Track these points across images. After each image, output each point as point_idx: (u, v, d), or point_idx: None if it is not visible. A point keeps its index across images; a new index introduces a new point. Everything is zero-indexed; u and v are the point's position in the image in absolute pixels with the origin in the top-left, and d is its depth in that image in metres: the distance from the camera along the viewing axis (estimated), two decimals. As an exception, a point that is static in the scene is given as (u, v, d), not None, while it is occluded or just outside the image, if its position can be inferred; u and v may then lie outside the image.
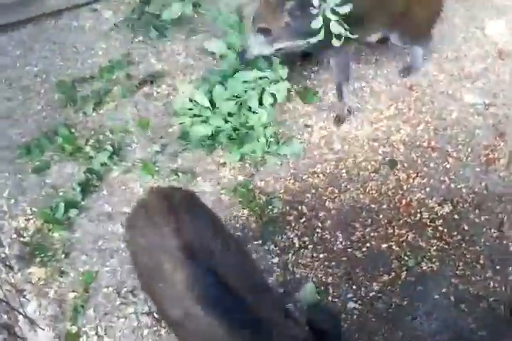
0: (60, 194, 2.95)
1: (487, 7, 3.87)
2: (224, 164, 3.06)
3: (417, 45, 3.35)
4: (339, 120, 3.23)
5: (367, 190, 2.95)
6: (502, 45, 3.63)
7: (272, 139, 3.08)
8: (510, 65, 3.52)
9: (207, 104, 3.12)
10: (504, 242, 2.76)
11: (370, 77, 3.44)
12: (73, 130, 3.19)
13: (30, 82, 3.44)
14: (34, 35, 3.72)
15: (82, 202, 2.92)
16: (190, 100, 3.15)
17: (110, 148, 3.04)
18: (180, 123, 3.15)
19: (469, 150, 3.13)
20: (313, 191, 2.94)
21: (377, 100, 3.34)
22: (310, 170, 3.04)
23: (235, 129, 3.09)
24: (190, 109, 3.14)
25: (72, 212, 2.86)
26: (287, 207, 2.90)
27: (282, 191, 2.96)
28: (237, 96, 3.11)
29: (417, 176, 3.01)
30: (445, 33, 3.72)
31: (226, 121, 3.10)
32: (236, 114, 3.11)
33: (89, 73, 3.46)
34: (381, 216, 2.86)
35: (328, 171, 3.03)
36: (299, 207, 2.90)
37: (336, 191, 2.96)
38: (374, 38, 3.23)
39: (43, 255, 2.77)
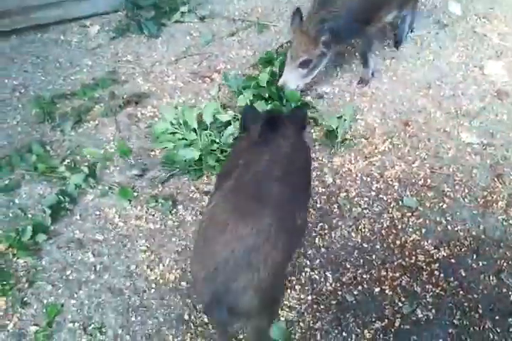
0: (29, 216, 2.73)
1: (486, 47, 3.86)
2: (208, 192, 2.88)
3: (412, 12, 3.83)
4: (363, 82, 3.57)
5: (359, 228, 2.79)
6: (500, 85, 3.59)
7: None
8: (508, 106, 3.47)
9: (195, 125, 3.01)
10: (504, 290, 2.59)
11: (366, 110, 3.35)
12: (48, 148, 3.01)
13: (7, 95, 3.28)
14: (17, 48, 3.58)
15: (52, 227, 2.71)
16: (172, 123, 3.04)
17: (86, 170, 2.84)
18: (163, 148, 3.02)
19: (466, 190, 3.01)
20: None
21: (372, 134, 3.23)
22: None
23: (222, 151, 2.97)
24: (173, 133, 3.03)
25: (40, 237, 2.63)
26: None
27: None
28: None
29: (412, 215, 2.87)
30: (443, 71, 3.68)
31: (213, 142, 2.99)
32: (223, 136, 3.02)
33: (71, 90, 3.31)
34: (374, 256, 2.69)
35: (318, 205, 2.87)
36: (286, 243, 2.72)
37: (327, 227, 2.79)
38: (390, 17, 3.56)
39: (4, 282, 2.53)
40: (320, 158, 3.10)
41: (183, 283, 2.55)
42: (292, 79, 3.24)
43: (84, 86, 3.31)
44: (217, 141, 3.00)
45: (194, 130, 3.02)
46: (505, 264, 2.69)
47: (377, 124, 3.29)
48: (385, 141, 3.20)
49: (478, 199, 2.97)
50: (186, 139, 3.00)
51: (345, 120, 3.20)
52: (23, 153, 2.92)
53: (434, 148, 3.20)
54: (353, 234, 2.77)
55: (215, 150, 2.98)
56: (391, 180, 3.02)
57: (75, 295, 2.52)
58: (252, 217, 1.83)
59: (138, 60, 3.58)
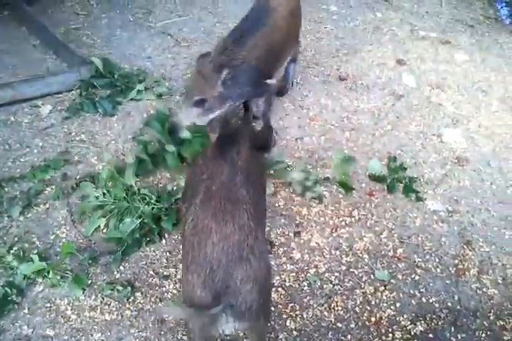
0: (-30, 312, 2.56)
1: (442, 115, 4.07)
2: (167, 277, 2.79)
3: (294, 56, 4.11)
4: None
5: (332, 306, 2.73)
6: (460, 152, 3.74)
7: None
8: (469, 172, 3.60)
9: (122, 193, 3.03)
10: (487, 366, 2.54)
11: (329, 183, 3.40)
12: (-6, 235, 2.88)
13: (-49, 180, 3.18)
14: (-36, 130, 3.54)
15: (-3, 323, 2.54)
16: (97, 197, 3.04)
17: (36, 258, 2.71)
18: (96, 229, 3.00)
19: (437, 260, 3.04)
20: (272, 308, 2.68)
21: (338, 206, 3.26)
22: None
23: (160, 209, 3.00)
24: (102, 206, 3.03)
25: (-18, 336, 2.46)
26: (241, 327, 2.60)
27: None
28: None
29: (384, 289, 2.84)
30: (402, 140, 3.82)
31: (149, 204, 2.99)
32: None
33: (20, 172, 3.25)
34: (349, 337, 2.61)
35: (287, 284, 2.81)
36: (255, 327, 2.61)
37: (298, 307, 2.72)
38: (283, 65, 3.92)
39: None
40: (286, 233, 3.08)
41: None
42: (186, 117, 3.11)
43: (35, 168, 3.27)
44: (152, 201, 2.99)
45: (124, 199, 3.01)
46: (483, 335, 2.68)
47: (341, 195, 3.33)
48: (352, 213, 3.23)
49: (450, 268, 2.99)
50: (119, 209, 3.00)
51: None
52: (-35, 242, 2.81)
53: (400, 218, 3.24)
54: (325, 314, 2.71)
55: (153, 213, 2.96)
56: (361, 253, 3.02)
57: None
58: (231, 216, 2.11)
59: (92, 139, 3.59)
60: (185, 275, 2.10)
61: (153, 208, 2.98)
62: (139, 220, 2.90)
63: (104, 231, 2.98)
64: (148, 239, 2.94)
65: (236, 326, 2.05)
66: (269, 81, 3.51)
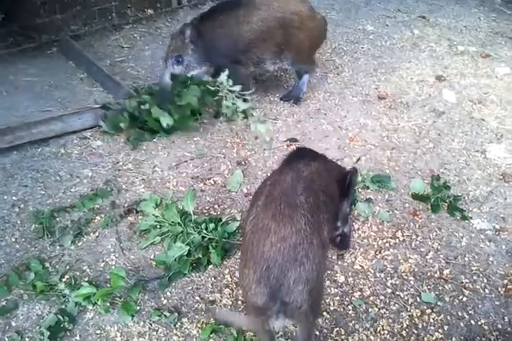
0: (26, 340, 2.65)
1: (485, 131, 4.00)
2: (213, 302, 2.82)
3: (304, 69, 4.30)
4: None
5: (378, 330, 2.69)
6: (505, 167, 3.66)
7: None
8: (515, 188, 3.50)
9: (177, 219, 3.09)
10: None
11: (373, 202, 3.37)
12: (47, 264, 2.99)
13: (6, 212, 3.33)
14: (17, 163, 3.72)
15: (51, 350, 2.62)
16: (156, 216, 3.16)
17: (86, 285, 2.80)
18: (150, 244, 3.12)
19: (485, 280, 2.96)
20: (317, 333, 2.67)
21: (381, 227, 3.23)
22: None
23: (211, 241, 3.04)
24: (158, 227, 3.13)
25: (38, 363, 2.54)
26: (287, 354, 2.61)
27: (281, 332, 2.68)
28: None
29: (432, 312, 2.78)
30: (444, 158, 3.77)
31: (199, 233, 3.04)
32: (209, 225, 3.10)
33: (71, 202, 3.38)
34: (396, 361, 2.57)
35: (332, 308, 2.79)
36: (301, 352, 2.61)
37: (343, 332, 2.69)
38: (271, 67, 4.19)
39: None
40: (329, 256, 3.07)
41: None
42: (168, 76, 3.89)
43: (83, 197, 3.40)
44: (205, 231, 3.04)
45: (178, 224, 3.08)
46: (537, 359, 2.56)
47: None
48: (395, 234, 3.20)
49: (499, 289, 2.91)
50: (170, 232, 3.09)
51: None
52: (21, 272, 2.92)
53: (446, 238, 3.18)
54: (371, 338, 2.67)
55: (202, 243, 3.02)
56: (406, 275, 2.97)
57: None
58: (290, 219, 2.22)
59: (139, 168, 3.70)
60: (242, 271, 2.28)
61: (203, 238, 3.03)
62: (188, 247, 2.96)
63: (152, 257, 3.06)
64: (194, 265, 2.98)
65: (286, 323, 2.27)
66: None
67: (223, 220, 3.15)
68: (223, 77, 3.27)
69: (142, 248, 3.12)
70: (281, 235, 2.17)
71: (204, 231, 3.06)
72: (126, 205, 3.38)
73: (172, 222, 3.13)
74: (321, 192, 2.50)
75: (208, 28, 3.92)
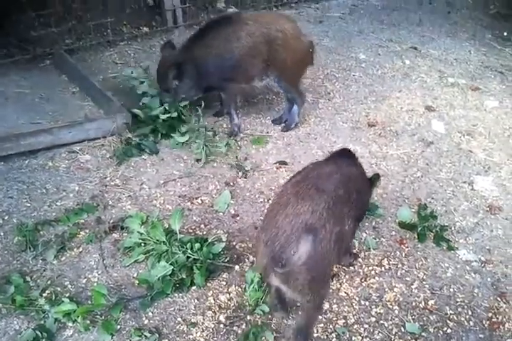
0: (1, 356, 2.60)
1: (473, 163, 4.05)
2: (195, 324, 2.78)
3: (292, 95, 4.34)
4: (231, 135, 4.24)
5: (361, 360, 2.67)
6: (492, 200, 3.70)
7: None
8: (502, 220, 3.55)
9: (163, 237, 3.06)
10: None
11: (359, 229, 3.38)
12: (28, 278, 2.94)
13: (-11, 223, 3.28)
14: (3, 174, 3.68)
15: (25, 368, 2.55)
16: (141, 234, 3.12)
17: (67, 301, 2.75)
18: (134, 262, 3.08)
19: (470, 312, 2.95)
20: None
21: (367, 254, 3.23)
22: (295, 333, 2.77)
23: (196, 261, 3.01)
24: (143, 245, 3.11)
25: (12, 381, 2.47)
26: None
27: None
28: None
29: (416, 343, 2.77)
30: (432, 187, 3.80)
31: (184, 253, 3.00)
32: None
33: (56, 216, 3.33)
34: None
35: (315, 335, 2.76)
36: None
37: (326, 360, 2.66)
38: (259, 84, 4.23)
39: None
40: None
41: None
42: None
43: (68, 211, 3.36)
44: (190, 251, 3.00)
45: (163, 242, 3.06)
46: None
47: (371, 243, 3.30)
48: (381, 262, 3.20)
49: (484, 322, 2.90)
50: (154, 250, 3.06)
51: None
52: (1, 285, 2.86)
53: (431, 267, 3.19)
54: (354, 367, 2.65)
55: (186, 263, 2.98)
56: (391, 304, 2.96)
57: None
58: (311, 200, 2.39)
59: (126, 184, 3.67)
60: (258, 232, 2.56)
61: (188, 258, 3.00)
62: (172, 267, 2.93)
63: (135, 275, 3.02)
64: (177, 285, 2.95)
65: (283, 288, 2.46)
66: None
67: (209, 241, 3.12)
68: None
69: (126, 265, 3.08)
70: (296, 210, 2.35)
71: (189, 251, 3.02)
72: (111, 221, 3.34)
73: (157, 241, 3.09)
74: (355, 191, 2.64)
75: (199, 51, 3.98)
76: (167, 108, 4.06)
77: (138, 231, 3.14)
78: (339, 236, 2.43)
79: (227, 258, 3.10)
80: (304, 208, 2.36)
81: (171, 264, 2.95)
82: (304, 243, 2.27)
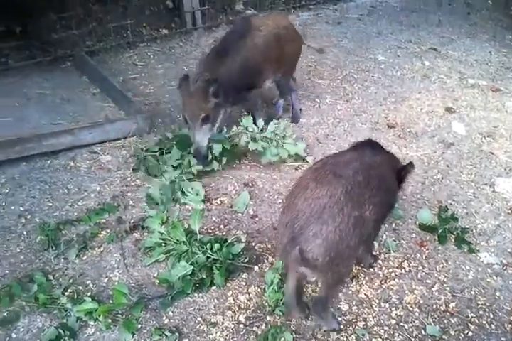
0: (24, 353, 2.62)
1: (494, 165, 4.01)
2: (215, 324, 2.79)
3: (287, 85, 4.47)
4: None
5: (381, 361, 2.66)
6: (513, 202, 3.65)
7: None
8: (524, 223, 3.49)
9: (183, 238, 3.09)
10: None
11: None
12: (51, 277, 2.98)
13: (13, 222, 3.34)
14: (26, 174, 3.74)
15: (48, 366, 2.58)
16: (162, 234, 3.15)
17: (89, 300, 2.78)
18: (154, 262, 3.11)
19: (492, 315, 2.92)
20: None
21: (387, 257, 3.22)
22: (315, 335, 2.77)
23: (215, 262, 3.02)
24: (163, 245, 3.13)
25: (36, 378, 2.50)
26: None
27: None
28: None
29: (436, 346, 2.75)
30: (453, 189, 3.77)
31: (204, 253, 3.02)
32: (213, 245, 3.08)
33: (77, 216, 3.38)
34: None
35: (335, 337, 2.75)
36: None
37: (345, 361, 2.65)
38: (269, 82, 4.26)
39: None
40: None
41: None
42: (202, 138, 3.66)
43: (90, 211, 3.40)
44: (209, 252, 3.02)
45: (183, 242, 3.08)
46: None
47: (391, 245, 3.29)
48: (402, 264, 3.18)
49: (505, 325, 2.86)
50: (175, 250, 3.08)
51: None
52: (24, 283, 2.90)
53: (452, 270, 3.16)
54: (375, 369, 2.63)
55: (206, 263, 3.00)
56: (411, 306, 2.94)
57: None
58: (329, 184, 2.47)
59: (146, 184, 3.70)
60: (280, 215, 2.62)
61: (208, 258, 3.02)
62: (192, 267, 2.95)
63: (155, 275, 3.04)
64: (197, 285, 2.96)
65: (302, 270, 2.49)
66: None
67: (228, 241, 3.13)
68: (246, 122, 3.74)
69: (146, 265, 3.11)
70: (315, 194, 2.44)
71: (209, 251, 3.04)
72: (132, 221, 3.37)
73: (177, 241, 3.12)
74: (376, 178, 2.66)
75: (225, 67, 3.79)
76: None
77: (158, 231, 3.18)
78: (358, 221, 2.48)
79: (247, 259, 3.10)
80: (323, 192, 2.44)
81: (190, 264, 2.97)
82: (324, 225, 2.36)
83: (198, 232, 3.12)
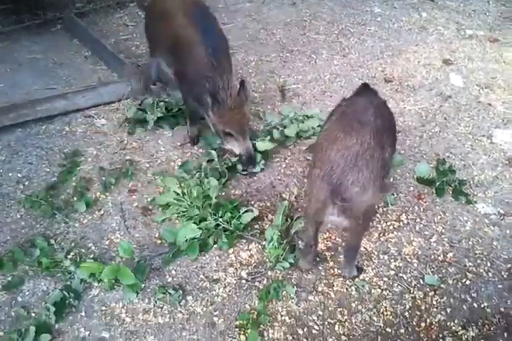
0: (32, 315, 2.66)
1: (491, 116, 3.98)
2: (217, 280, 2.84)
3: None
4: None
5: (381, 311, 2.72)
6: (511, 153, 3.64)
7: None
8: (521, 173, 3.50)
9: (198, 202, 3.12)
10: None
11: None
12: (52, 241, 3.00)
13: (11, 188, 3.34)
14: (22, 140, 3.71)
15: (56, 325, 2.63)
16: (177, 194, 3.18)
17: (92, 262, 2.81)
18: (163, 220, 3.14)
19: (489, 264, 2.97)
20: (320, 312, 2.70)
21: (385, 210, 3.24)
22: (316, 288, 2.82)
23: (225, 230, 3.04)
24: (178, 206, 3.16)
25: (44, 338, 2.55)
26: (290, 333, 2.63)
27: (284, 312, 2.71)
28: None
29: (434, 294, 2.80)
30: (450, 142, 3.76)
31: (216, 220, 3.05)
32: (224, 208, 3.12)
33: (76, 181, 3.37)
34: (399, 342, 2.59)
35: (335, 289, 2.81)
36: (304, 332, 2.64)
37: (346, 312, 2.71)
38: None
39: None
40: (333, 237, 3.08)
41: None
42: (250, 145, 3.46)
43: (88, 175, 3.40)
44: (220, 220, 3.04)
45: (197, 207, 3.10)
46: (539, 342, 2.58)
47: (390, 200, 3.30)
48: (400, 217, 3.20)
49: (503, 273, 2.92)
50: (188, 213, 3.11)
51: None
52: (26, 248, 2.93)
53: (450, 221, 3.19)
54: (374, 319, 2.69)
55: (215, 229, 3.03)
56: (410, 257, 2.99)
57: None
58: (356, 132, 2.50)
59: (144, 147, 3.68)
60: (311, 170, 2.64)
61: (217, 225, 3.04)
62: (200, 231, 2.98)
63: (157, 235, 3.07)
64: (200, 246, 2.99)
65: (339, 219, 2.52)
66: None
67: (241, 212, 3.11)
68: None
69: (159, 221, 3.14)
70: (346, 144, 2.47)
71: (220, 219, 3.05)
72: (130, 185, 3.38)
73: (191, 203, 3.14)
74: (387, 119, 2.77)
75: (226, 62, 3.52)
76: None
77: (174, 191, 3.20)
78: (383, 163, 2.55)
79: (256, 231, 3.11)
80: (353, 141, 2.46)
81: (199, 228, 3.00)
82: (360, 173, 2.41)
83: (214, 200, 3.13)
